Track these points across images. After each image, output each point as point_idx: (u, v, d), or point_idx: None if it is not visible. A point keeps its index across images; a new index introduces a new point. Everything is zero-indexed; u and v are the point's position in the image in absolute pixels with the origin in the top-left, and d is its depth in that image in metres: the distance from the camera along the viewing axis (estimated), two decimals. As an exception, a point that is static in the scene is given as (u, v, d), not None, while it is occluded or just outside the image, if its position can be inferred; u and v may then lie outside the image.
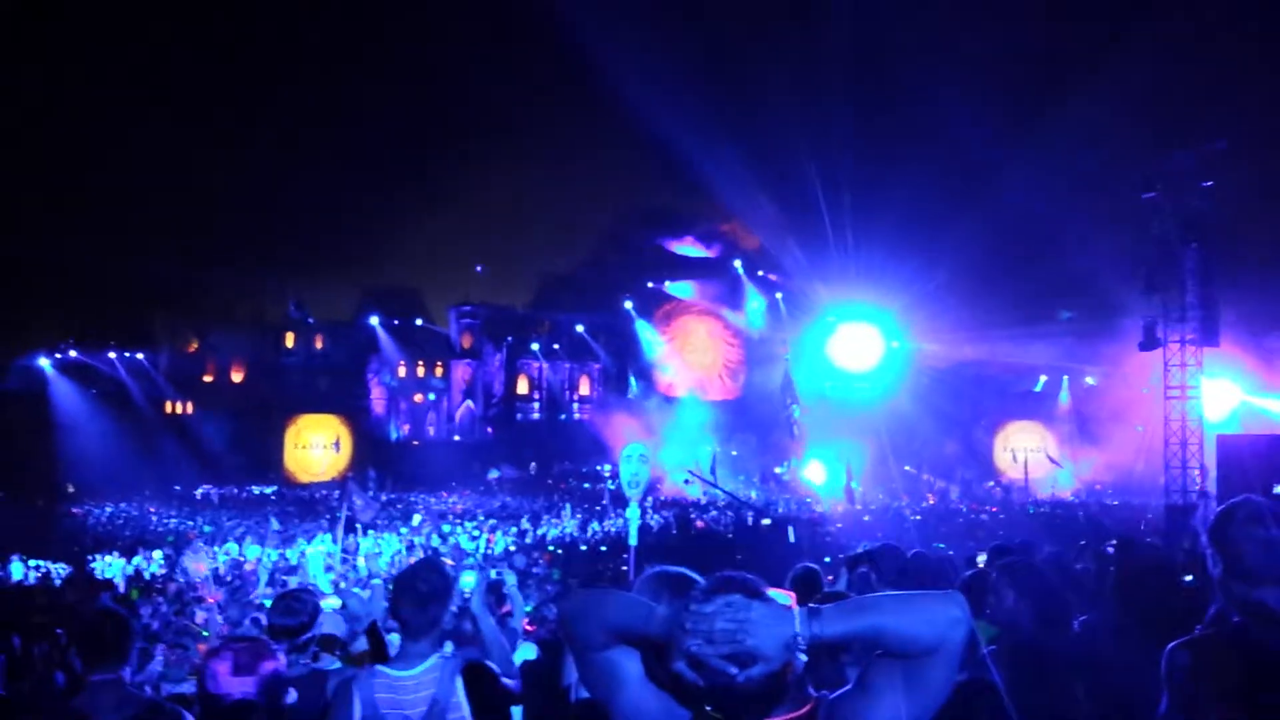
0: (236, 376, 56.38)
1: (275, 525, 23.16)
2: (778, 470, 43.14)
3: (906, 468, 38.55)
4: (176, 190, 61.14)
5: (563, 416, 58.65)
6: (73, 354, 49.74)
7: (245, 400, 53.53)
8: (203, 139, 61.12)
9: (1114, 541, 6.88)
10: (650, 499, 30.21)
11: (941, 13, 47.80)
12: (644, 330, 55.98)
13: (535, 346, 58.55)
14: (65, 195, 59.78)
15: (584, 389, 60.72)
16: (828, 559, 11.05)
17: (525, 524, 26.68)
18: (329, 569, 14.73)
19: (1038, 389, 49.64)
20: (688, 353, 56.51)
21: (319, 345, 57.98)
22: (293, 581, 12.41)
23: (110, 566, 18.84)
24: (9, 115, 52.76)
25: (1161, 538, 15.26)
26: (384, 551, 18.41)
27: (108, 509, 36.15)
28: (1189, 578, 5.13)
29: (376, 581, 10.37)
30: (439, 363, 59.03)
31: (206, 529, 26.54)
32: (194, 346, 56.59)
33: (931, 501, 35.51)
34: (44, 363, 48.22)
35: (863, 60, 47.29)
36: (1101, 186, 34.74)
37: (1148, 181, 20.04)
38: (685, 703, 1.77)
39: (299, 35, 67.18)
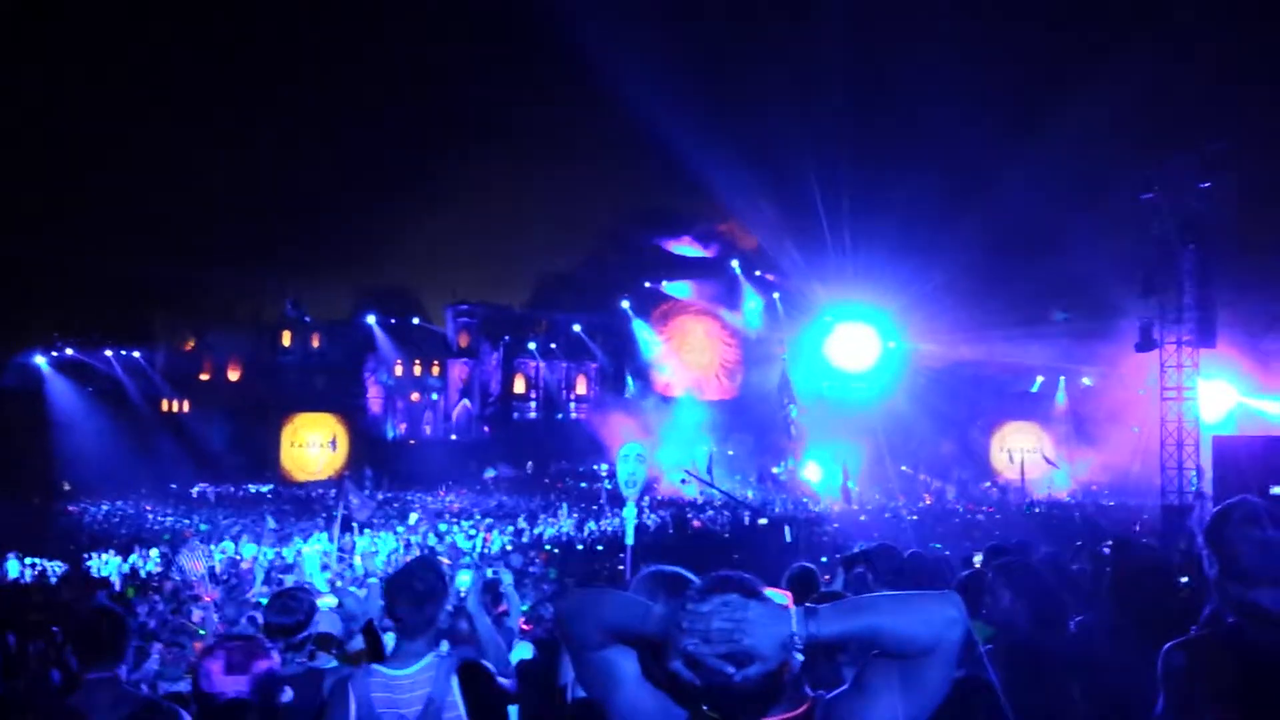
0: (233, 375, 56.33)
1: (271, 524, 23.13)
2: (775, 470, 43.16)
3: (903, 468, 38.57)
4: (173, 189, 61.10)
5: (560, 416, 58.65)
6: (69, 352, 49.68)
7: (242, 399, 53.48)
8: (200, 138, 61.16)
9: (1110, 542, 6.88)
10: (647, 498, 30.22)
11: (939, 14, 47.83)
12: (641, 330, 55.97)
13: (532, 346, 58.54)
14: (63, 194, 59.75)
15: (581, 388, 60.71)
16: (824, 559, 11.06)
17: (522, 523, 26.67)
18: (325, 568, 14.72)
19: (1034, 389, 49.68)
20: (685, 352, 56.50)
21: (316, 344, 57.93)
22: (289, 580, 12.41)
23: (106, 565, 18.82)
24: (8, 115, 52.73)
25: (1158, 538, 15.27)
26: (380, 550, 18.40)
27: (104, 507, 36.09)
28: (1185, 579, 5.14)
29: (373, 580, 10.37)
30: (436, 362, 59.00)
31: (203, 527, 26.50)
32: (190, 345, 56.56)
33: (928, 502, 35.53)
34: (40, 360, 48.14)
35: (861, 61, 47.33)
36: (1099, 187, 34.82)
37: (1145, 182, 20.07)
38: (682, 702, 1.77)
39: (297, 35, 67.15)
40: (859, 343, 40.82)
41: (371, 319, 56.09)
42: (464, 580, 6.65)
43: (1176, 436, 20.42)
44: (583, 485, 42.42)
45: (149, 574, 17.62)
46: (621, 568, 12.91)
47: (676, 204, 60.93)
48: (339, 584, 12.00)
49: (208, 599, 11.78)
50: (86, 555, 19.93)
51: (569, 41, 42.19)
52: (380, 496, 33.72)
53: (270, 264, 57.06)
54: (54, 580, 17.23)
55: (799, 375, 42.72)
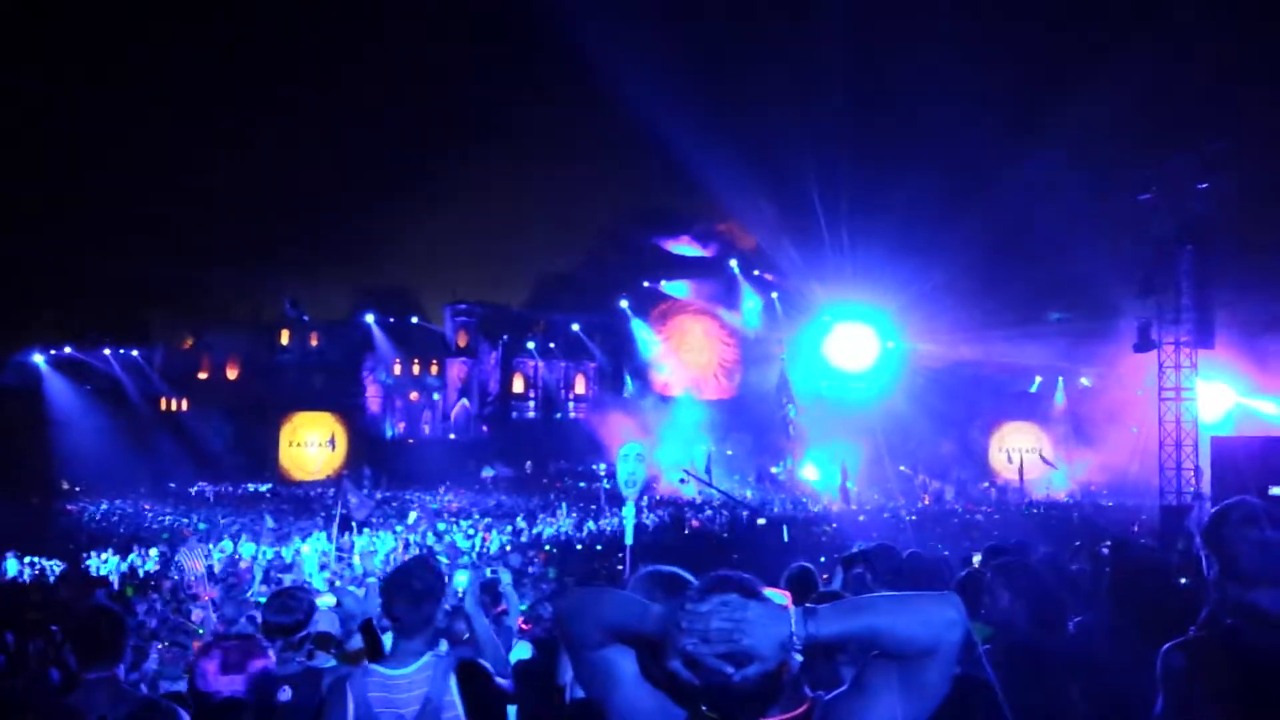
0: (232, 374, 56.32)
1: (270, 523, 23.14)
2: (774, 470, 43.17)
3: (902, 468, 38.58)
4: (172, 189, 61.01)
5: (558, 415, 58.63)
6: (68, 350, 49.65)
7: (240, 398, 53.46)
8: (199, 138, 61.06)
9: (1109, 542, 6.88)
10: (646, 498, 30.21)
11: (938, 14, 47.84)
12: (640, 329, 55.95)
13: (531, 345, 58.52)
14: (62, 193, 59.69)
15: (579, 388, 60.70)
16: (823, 559, 11.06)
17: (521, 523, 26.68)
18: (324, 567, 14.73)
19: (1033, 390, 49.71)
20: (683, 352, 56.49)
21: (314, 343, 57.91)
22: (287, 579, 12.41)
23: (105, 564, 18.83)
24: (8, 115, 52.70)
25: (1156, 539, 15.28)
26: (379, 550, 18.40)
27: (103, 506, 36.09)
28: (1184, 580, 5.14)
29: (372, 580, 10.36)
30: (434, 361, 58.96)
31: (201, 526, 26.50)
32: (189, 344, 56.54)
33: (926, 502, 35.54)
34: (39, 359, 48.12)
35: (859, 61, 47.32)
36: (1098, 188, 34.81)
37: (1144, 183, 20.09)
38: (681, 702, 1.77)
39: (297, 35, 67.08)
40: (858, 343, 40.87)
41: (370, 318, 56.06)
42: (461, 580, 6.64)
43: (1175, 437, 20.44)
44: (581, 485, 42.41)
45: (148, 573, 17.62)
46: (620, 567, 12.91)
47: (675, 204, 61.00)
48: (338, 583, 12.00)
49: (206, 598, 11.79)
50: (85, 554, 19.93)
51: (569, 41, 42.18)
52: (379, 496, 33.71)
53: (269, 263, 57.06)
54: (52, 579, 17.23)
55: (798, 375, 42.77)
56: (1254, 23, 37.19)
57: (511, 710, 4.16)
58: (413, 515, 27.01)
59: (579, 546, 22.30)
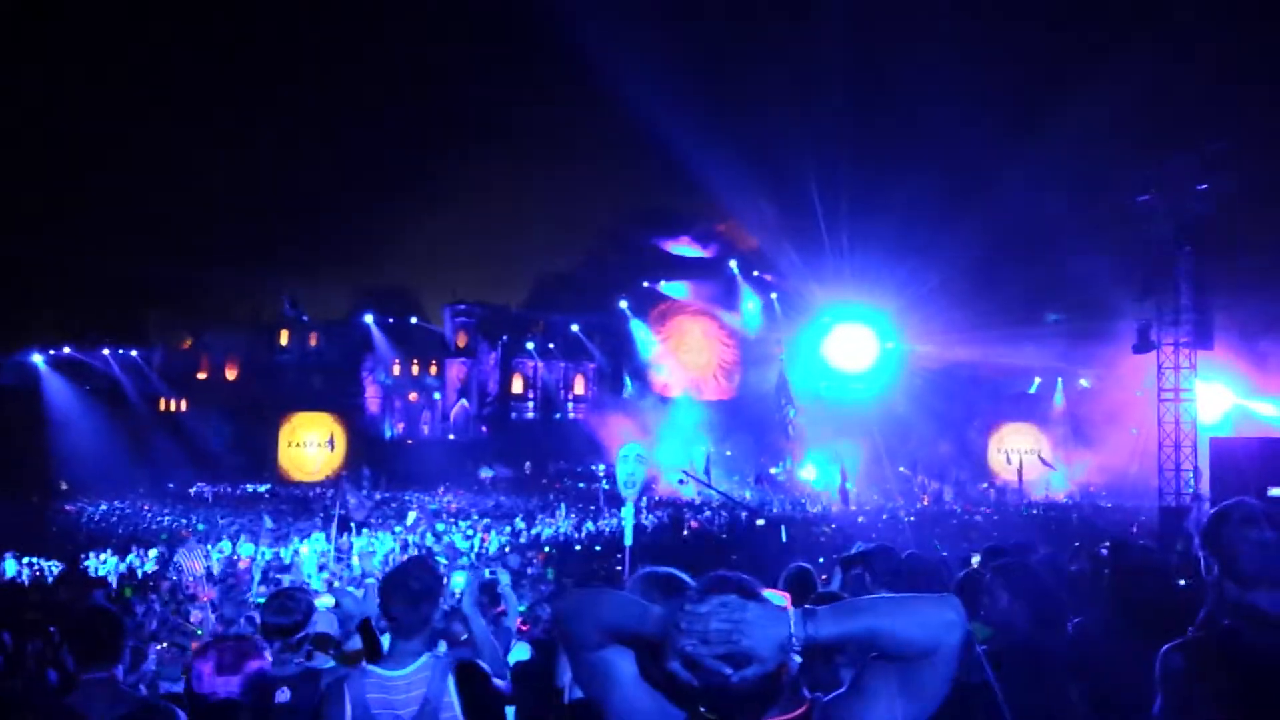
0: (231, 374, 56.28)
1: (269, 524, 23.13)
2: (773, 471, 43.17)
3: (901, 469, 38.59)
4: (172, 188, 60.99)
5: (557, 416, 58.60)
6: (66, 350, 49.63)
7: (239, 398, 53.42)
8: (198, 138, 61.04)
9: (1108, 543, 6.88)
10: (645, 499, 30.20)
11: (938, 14, 47.86)
12: (639, 330, 55.96)
13: (530, 345, 58.51)
14: (61, 193, 59.67)
15: (579, 388, 60.69)
16: (821, 559, 11.06)
17: (520, 523, 26.68)
18: (323, 567, 14.72)
19: (1032, 391, 49.74)
20: (683, 353, 56.51)
21: (313, 343, 57.88)
22: (286, 580, 12.41)
23: (104, 564, 18.81)
24: (8, 115, 52.68)
25: (1155, 540, 15.29)
26: (378, 550, 18.40)
27: (101, 506, 36.07)
28: (1182, 581, 5.15)
29: (370, 580, 10.35)
30: (433, 361, 58.94)
31: (200, 527, 26.49)
32: (188, 344, 56.50)
33: (925, 503, 35.55)
34: (37, 359, 48.11)
35: (859, 62, 47.33)
36: (1096, 189, 34.83)
37: (1143, 184, 20.10)
38: (679, 703, 1.76)
39: (297, 35, 67.07)
40: (857, 343, 40.87)
41: (369, 318, 56.04)
42: (458, 582, 6.63)
43: (1174, 438, 20.45)
44: (580, 485, 42.41)
45: (146, 574, 17.60)
46: (619, 568, 12.91)
47: (675, 204, 60.99)
48: (336, 584, 12.00)
49: (205, 599, 11.79)
50: (84, 555, 19.90)
51: (569, 41, 42.20)
52: (378, 496, 33.75)
53: (268, 263, 57.01)
54: (51, 580, 17.21)
55: (797, 376, 42.72)
56: (1253, 23, 37.22)
57: (510, 711, 4.16)
58: (412, 516, 27.01)
59: (578, 547, 22.29)
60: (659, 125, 40.66)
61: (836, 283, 41.79)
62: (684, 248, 61.89)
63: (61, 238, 52.69)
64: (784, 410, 41.74)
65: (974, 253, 38.37)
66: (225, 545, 20.19)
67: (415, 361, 58.65)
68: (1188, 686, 2.52)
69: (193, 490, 42.16)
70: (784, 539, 15.84)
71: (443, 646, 5.18)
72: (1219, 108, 37.49)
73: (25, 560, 19.00)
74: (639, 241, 61.07)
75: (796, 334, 45.00)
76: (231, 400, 53.24)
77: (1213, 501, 14.33)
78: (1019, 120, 41.17)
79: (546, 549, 21.16)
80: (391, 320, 57.42)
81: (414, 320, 59.09)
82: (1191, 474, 20.01)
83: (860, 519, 27.04)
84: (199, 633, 8.87)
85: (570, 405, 59.70)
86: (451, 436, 57.18)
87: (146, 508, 35.26)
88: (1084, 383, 46.30)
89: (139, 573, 17.90)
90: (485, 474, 48.42)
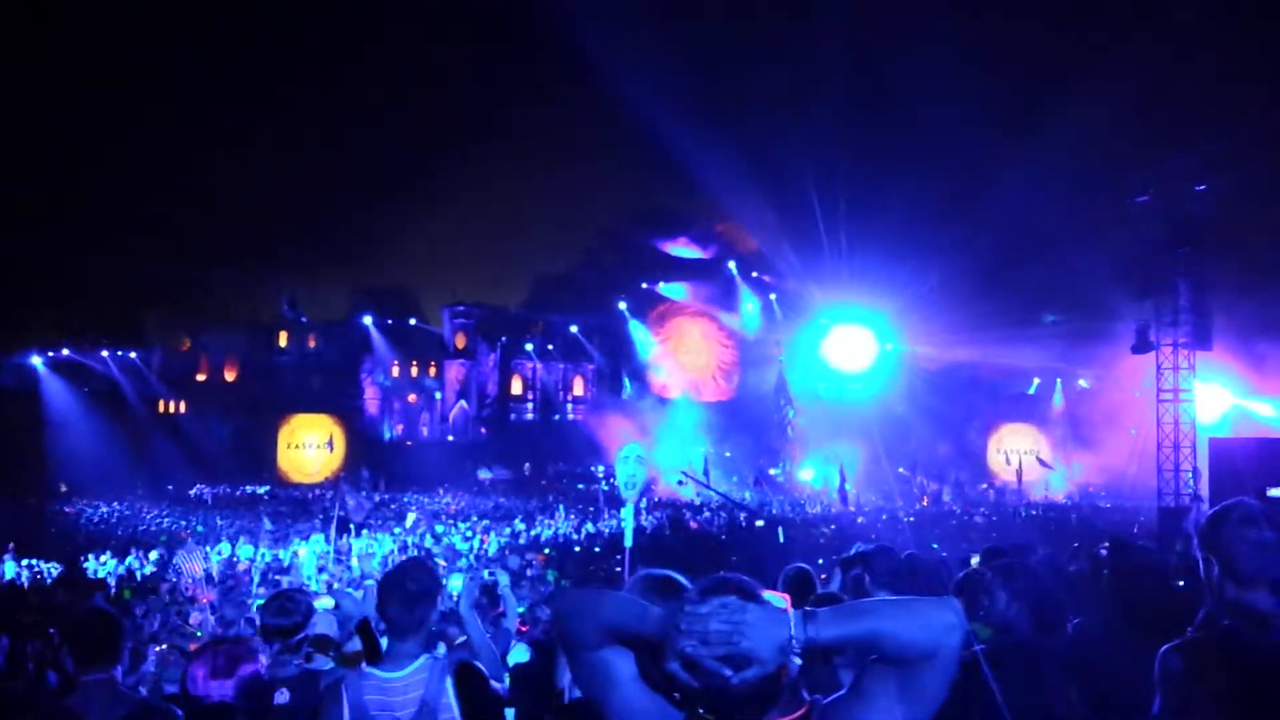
0: (230, 375, 56.24)
1: (268, 525, 23.11)
2: (772, 472, 43.18)
3: (900, 469, 38.60)
4: (170, 189, 60.95)
5: (556, 417, 58.58)
6: (65, 352, 49.60)
7: (238, 399, 53.41)
8: (197, 138, 60.97)
9: (1107, 544, 6.89)
10: (644, 500, 30.20)
11: (935, 16, 47.86)
12: (638, 331, 55.96)
13: (529, 347, 58.50)
14: (59, 193, 59.63)
15: (578, 389, 60.68)
16: (821, 560, 11.06)
17: (519, 525, 26.67)
18: (322, 569, 14.72)
19: (1031, 391, 49.76)
20: (682, 354, 56.50)
21: (312, 344, 57.83)
22: (285, 582, 12.41)
23: (103, 566, 18.81)
24: (8, 115, 52.66)
25: (1154, 540, 15.30)
26: (377, 552, 18.40)
27: (100, 508, 36.06)
28: (1181, 582, 5.15)
29: (370, 582, 10.35)
30: (432, 362, 58.93)
31: (199, 529, 26.49)
32: (187, 345, 56.47)
33: (925, 504, 35.55)
34: (36, 361, 48.09)
35: (858, 63, 47.33)
36: (1095, 190, 34.85)
37: (1141, 185, 20.12)
38: (679, 704, 1.76)
39: (297, 35, 67.03)
40: (856, 344, 40.95)
41: (368, 319, 56.01)
42: (455, 585, 6.63)
43: (1173, 438, 20.47)
44: (580, 486, 42.40)
45: (145, 575, 17.59)
46: (619, 569, 12.90)
47: (674, 205, 60.91)
48: (336, 585, 12.00)
49: (204, 600, 11.78)
50: (83, 556, 19.90)
51: (569, 41, 42.13)
52: (377, 498, 33.76)
53: (267, 264, 56.96)
54: (50, 581, 17.20)
55: (796, 377, 42.76)
56: (1252, 23, 37.23)
57: (509, 713, 4.16)
58: (411, 517, 27.02)
59: (577, 549, 22.29)
60: (658, 126, 40.66)
61: (835, 284, 41.83)
62: (683, 249, 61.84)
63: (60, 238, 52.68)
64: (783, 411, 41.79)
65: (973, 254, 38.41)
66: (224, 547, 20.20)
67: (414, 363, 58.64)
68: (1186, 687, 2.53)
69: (192, 492, 42.17)
70: (781, 540, 15.85)
71: (441, 649, 5.18)
72: (1217, 108, 37.54)
73: (24, 562, 19.02)
74: (638, 242, 61.04)
75: (795, 335, 45.05)
76: (230, 402, 53.23)
77: (1211, 502, 14.36)
78: (1018, 121, 41.15)
79: (546, 550, 21.16)
80: (390, 321, 57.39)
81: (413, 321, 59.06)
82: (1190, 474, 20.03)
83: (859, 520, 27.06)
84: (198, 634, 8.87)
85: (569, 406, 59.69)
86: (450, 438, 57.16)
87: (146, 509, 35.27)
88: (1083, 383, 46.33)
89: (138, 574, 17.90)
90: (484, 475, 48.41)
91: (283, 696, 3.66)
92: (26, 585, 16.84)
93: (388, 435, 57.15)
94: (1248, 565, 2.55)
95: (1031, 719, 2.98)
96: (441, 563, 16.64)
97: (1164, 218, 19.83)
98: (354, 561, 16.81)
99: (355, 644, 4.61)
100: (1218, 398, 25.14)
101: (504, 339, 58.67)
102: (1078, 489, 40.69)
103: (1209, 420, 22.97)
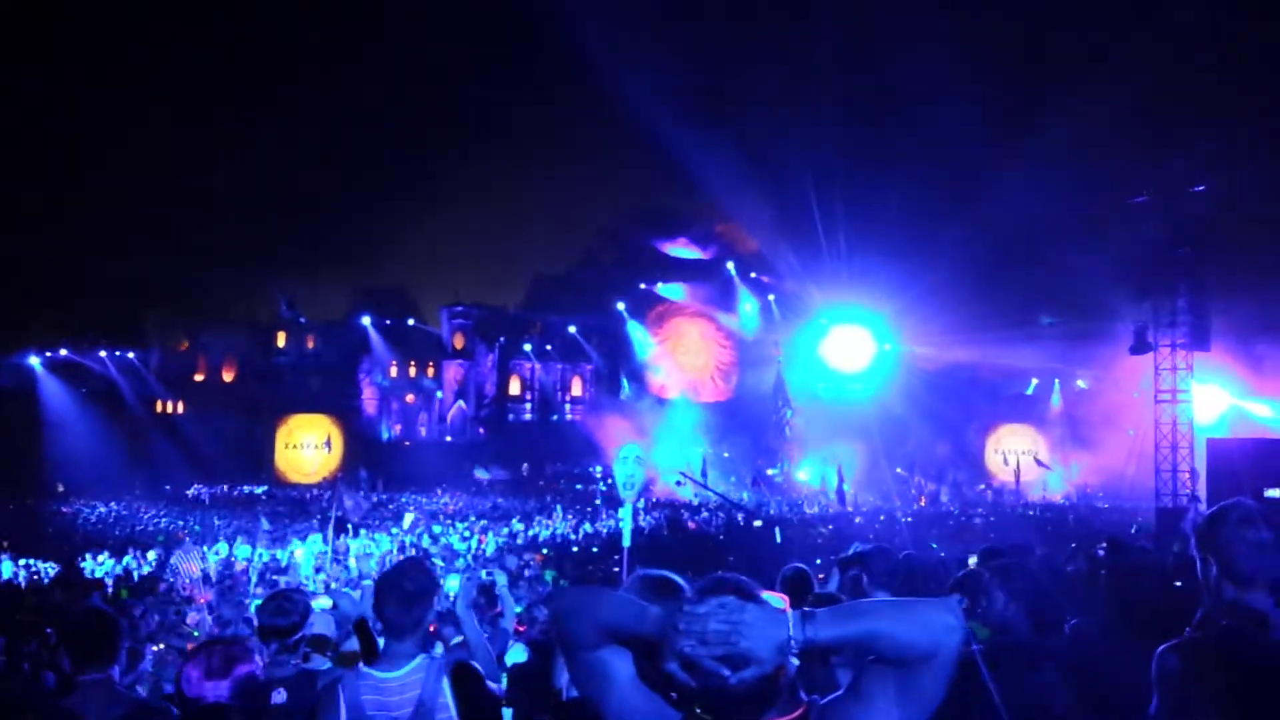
0: (228, 376, 56.21)
1: (266, 525, 23.12)
2: (770, 472, 43.20)
3: (898, 470, 38.62)
4: (169, 189, 60.92)
5: (555, 417, 58.56)
6: (63, 352, 49.57)
7: (236, 400, 53.37)
8: (196, 138, 60.96)
9: (1105, 544, 6.89)
10: (642, 500, 30.20)
11: (933, 17, 47.91)
12: (636, 331, 55.97)
13: (528, 347, 58.48)
14: (58, 194, 59.60)
15: (576, 390, 60.66)
16: (819, 560, 11.07)
17: (517, 525, 26.67)
18: (320, 569, 14.72)
19: (1029, 392, 49.78)
20: (680, 354, 56.51)
21: (310, 345, 57.81)
22: (283, 582, 12.40)
23: (100, 566, 18.80)
24: (8, 115, 52.64)
25: (1152, 541, 15.31)
26: (375, 552, 18.39)
27: (98, 508, 36.04)
28: (1179, 582, 5.15)
29: (368, 582, 10.35)
30: (431, 363, 58.91)
31: (197, 529, 26.47)
32: (185, 345, 56.44)
33: (923, 504, 35.57)
34: (34, 361, 48.05)
35: (856, 64, 47.38)
36: (1094, 190, 34.88)
37: (1139, 186, 20.14)
38: (676, 704, 1.76)
39: (297, 35, 67.01)
40: (854, 345, 40.92)
41: (366, 320, 56.00)
42: (452, 585, 6.62)
43: (1171, 439, 20.49)
44: (578, 487, 42.41)
45: (143, 576, 17.58)
46: (617, 570, 12.90)
47: (672, 205, 60.95)
48: (333, 585, 11.99)
49: (202, 600, 11.78)
50: (80, 556, 19.89)
51: (569, 41, 42.14)
52: (375, 498, 33.75)
53: (265, 264, 56.95)
54: (47, 581, 17.19)
55: (794, 377, 42.79)
56: (1251, 24, 37.26)
57: (507, 713, 4.16)
58: (409, 517, 27.01)
59: (575, 549, 22.30)
60: (657, 126, 40.69)
61: (834, 284, 41.81)
62: (681, 249, 61.85)
63: (59, 238, 52.64)
64: (781, 411, 41.84)
65: (971, 254, 38.41)
66: (222, 547, 20.18)
67: (412, 363, 58.62)
68: (1184, 687, 2.53)
69: (190, 492, 42.15)
70: (778, 540, 15.86)
71: (439, 648, 5.18)
72: (1217, 109, 37.56)
73: (21, 562, 19.00)
74: (636, 243, 61.05)
75: (794, 335, 45.07)
76: (228, 402, 53.17)
77: (1209, 502, 14.37)
78: (1017, 121, 41.16)
79: (544, 550, 21.17)
80: (389, 322, 57.38)
81: (411, 322, 59.05)
82: (1188, 475, 20.04)
83: (857, 520, 27.07)
84: (196, 634, 8.86)
85: (567, 407, 59.67)
86: (449, 438, 57.15)
87: (143, 509, 35.25)
88: (1081, 384, 46.36)
89: (135, 574, 17.89)
90: (482, 475, 48.37)
91: (280, 696, 3.65)
92: (24, 585, 16.84)
93: (386, 435, 57.12)
94: (1246, 565, 2.55)
95: (1029, 719, 2.98)
96: (439, 563, 16.65)
97: (1162, 219, 19.85)
98: (351, 561, 16.82)
99: (353, 644, 4.61)
100: (1216, 399, 25.16)
101: (502, 339, 58.64)
102: (1076, 489, 40.72)
103: (1207, 421, 22.99)
